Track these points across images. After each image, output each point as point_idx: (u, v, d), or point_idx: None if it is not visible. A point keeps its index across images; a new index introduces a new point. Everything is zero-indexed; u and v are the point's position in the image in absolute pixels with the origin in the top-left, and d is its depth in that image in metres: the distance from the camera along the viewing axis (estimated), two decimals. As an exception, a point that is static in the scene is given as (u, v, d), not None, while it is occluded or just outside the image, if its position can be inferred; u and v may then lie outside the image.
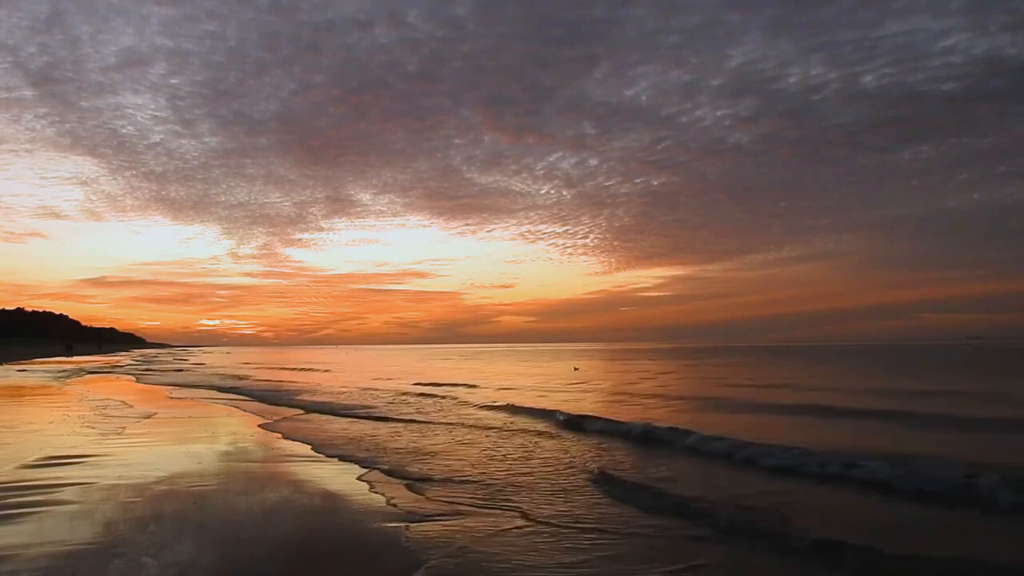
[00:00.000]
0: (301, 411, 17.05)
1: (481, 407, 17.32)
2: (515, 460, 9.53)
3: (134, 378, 33.45)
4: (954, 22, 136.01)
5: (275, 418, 15.35)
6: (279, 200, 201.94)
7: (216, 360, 67.31)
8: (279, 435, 12.41)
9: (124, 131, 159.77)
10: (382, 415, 15.57)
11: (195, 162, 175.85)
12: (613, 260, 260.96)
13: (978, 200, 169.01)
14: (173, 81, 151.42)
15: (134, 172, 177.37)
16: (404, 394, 21.73)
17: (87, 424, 13.87)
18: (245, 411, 17.05)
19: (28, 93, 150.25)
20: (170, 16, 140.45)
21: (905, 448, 9.70)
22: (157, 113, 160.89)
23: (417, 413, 15.99)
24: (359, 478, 8.41)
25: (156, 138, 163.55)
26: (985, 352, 66.22)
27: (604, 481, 7.96)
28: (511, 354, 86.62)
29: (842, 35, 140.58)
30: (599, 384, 24.48)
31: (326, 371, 40.82)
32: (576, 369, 39.77)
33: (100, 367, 46.88)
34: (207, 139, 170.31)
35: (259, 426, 13.86)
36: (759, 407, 16.06)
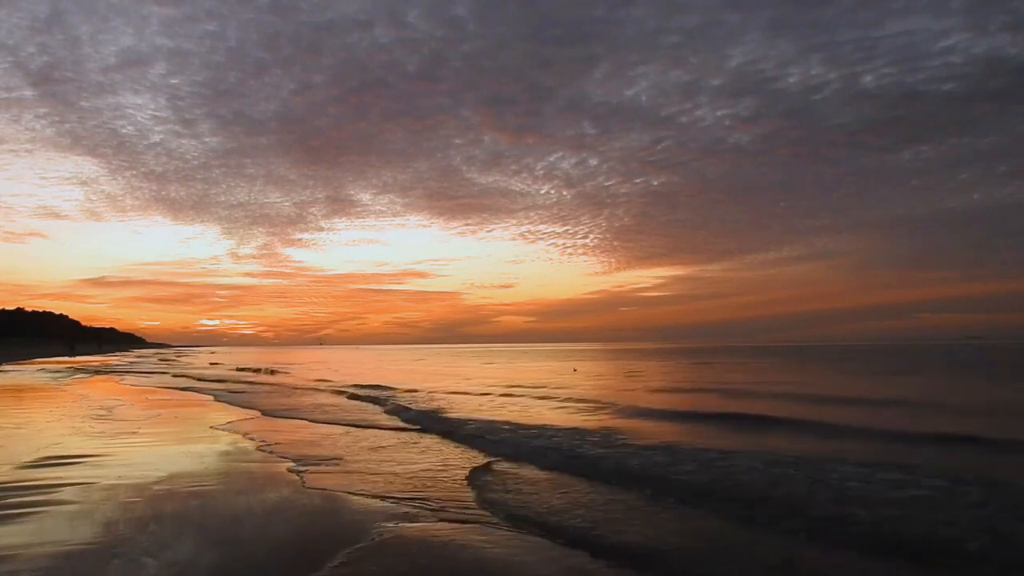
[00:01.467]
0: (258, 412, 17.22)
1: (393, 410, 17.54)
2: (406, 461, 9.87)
3: (118, 378, 33.48)
4: (954, 22, 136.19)
5: (236, 418, 15.77)
6: (279, 200, 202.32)
7: (198, 360, 67.39)
8: (240, 435, 12.65)
9: (124, 131, 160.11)
10: (311, 418, 15.74)
11: (195, 162, 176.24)
12: (613, 260, 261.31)
13: (978, 200, 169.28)
14: (173, 81, 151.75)
15: (134, 172, 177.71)
16: (347, 396, 22.32)
17: (74, 424, 13.95)
18: (214, 409, 17.78)
19: (28, 93, 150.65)
20: (170, 16, 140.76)
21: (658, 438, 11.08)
22: (157, 113, 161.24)
23: (343, 413, 16.66)
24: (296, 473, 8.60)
25: (156, 138, 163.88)
26: (966, 352, 66.28)
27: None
28: (505, 354, 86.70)
29: (842, 35, 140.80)
30: (571, 388, 23.80)
31: (278, 372, 40.36)
32: (575, 370, 39.85)
33: (95, 367, 46.98)
34: (207, 139, 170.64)
35: (211, 427, 14.11)
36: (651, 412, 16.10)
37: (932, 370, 35.72)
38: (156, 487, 7.90)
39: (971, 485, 7.24)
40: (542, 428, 12.61)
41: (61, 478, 8.35)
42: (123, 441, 11.65)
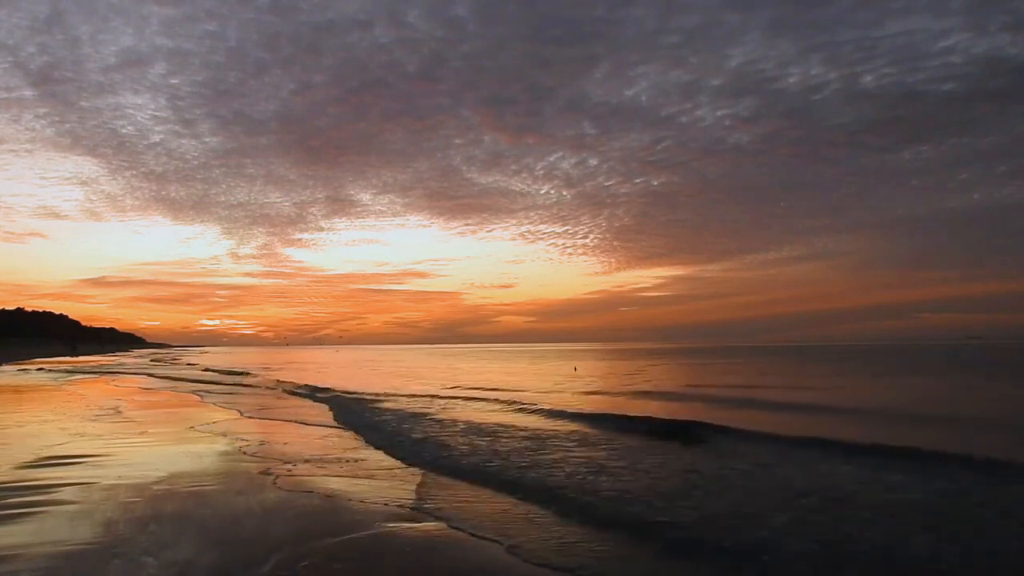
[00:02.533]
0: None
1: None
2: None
3: (116, 379, 33.57)
4: (954, 22, 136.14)
5: (221, 419, 16.28)
6: (279, 200, 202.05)
7: (191, 361, 67.84)
8: (223, 435, 13.03)
9: (124, 131, 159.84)
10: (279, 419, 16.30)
11: (195, 162, 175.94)
12: (613, 260, 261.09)
13: (978, 200, 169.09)
14: (173, 81, 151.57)
15: (134, 172, 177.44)
16: (301, 396, 23.55)
17: (72, 425, 14.10)
18: (202, 410, 18.10)
19: (28, 93, 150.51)
20: (170, 16, 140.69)
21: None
22: (157, 113, 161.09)
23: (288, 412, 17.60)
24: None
25: (156, 138, 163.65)
26: (967, 352, 66.20)
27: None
28: (495, 355, 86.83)
29: (842, 35, 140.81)
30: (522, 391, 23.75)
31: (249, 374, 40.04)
32: (575, 369, 40.05)
33: (95, 368, 46.99)
34: (207, 139, 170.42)
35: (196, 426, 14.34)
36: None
37: (924, 372, 35.46)
38: (155, 487, 7.97)
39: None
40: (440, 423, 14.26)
41: (60, 478, 8.41)
42: (123, 441, 11.77)
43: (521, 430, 13.06)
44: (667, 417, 14.54)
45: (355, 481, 8.48)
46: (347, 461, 9.98)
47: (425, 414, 16.17)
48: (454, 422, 14.50)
